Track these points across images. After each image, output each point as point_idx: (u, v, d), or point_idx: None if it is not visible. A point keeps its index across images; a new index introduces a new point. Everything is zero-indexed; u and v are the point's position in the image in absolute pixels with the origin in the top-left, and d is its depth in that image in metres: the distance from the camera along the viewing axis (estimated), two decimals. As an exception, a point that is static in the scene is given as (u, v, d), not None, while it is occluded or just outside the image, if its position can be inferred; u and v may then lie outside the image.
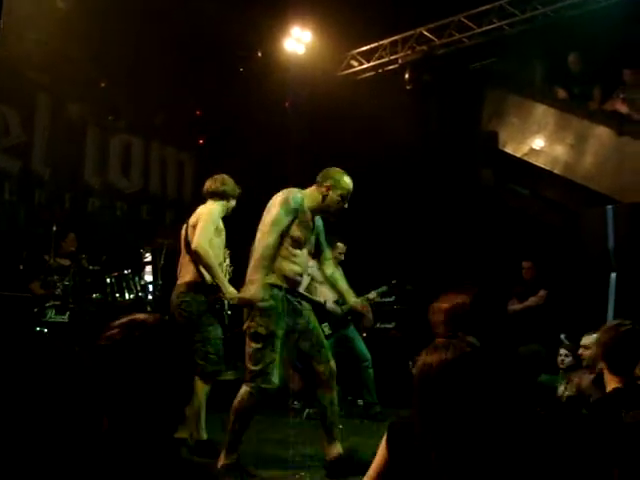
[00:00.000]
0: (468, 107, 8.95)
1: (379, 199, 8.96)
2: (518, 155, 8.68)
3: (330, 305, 7.00)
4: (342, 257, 7.27)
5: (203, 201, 5.76)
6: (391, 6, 8.26)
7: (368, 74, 9.64)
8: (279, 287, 4.56)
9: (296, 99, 10.04)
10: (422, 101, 9.01)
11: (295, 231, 4.64)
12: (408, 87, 8.83)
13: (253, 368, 4.43)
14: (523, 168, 8.62)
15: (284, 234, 4.59)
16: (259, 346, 4.43)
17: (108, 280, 7.53)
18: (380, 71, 9.47)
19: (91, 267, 7.53)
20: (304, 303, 4.83)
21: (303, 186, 4.89)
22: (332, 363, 4.67)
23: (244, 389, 4.46)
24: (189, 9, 8.13)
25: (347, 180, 4.91)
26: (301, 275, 4.79)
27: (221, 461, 4.45)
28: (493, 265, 8.13)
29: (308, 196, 4.80)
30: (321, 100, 9.50)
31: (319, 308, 6.97)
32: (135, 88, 8.96)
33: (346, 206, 4.93)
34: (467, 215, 8.56)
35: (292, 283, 4.67)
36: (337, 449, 4.64)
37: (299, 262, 4.71)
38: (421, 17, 8.62)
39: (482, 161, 8.91)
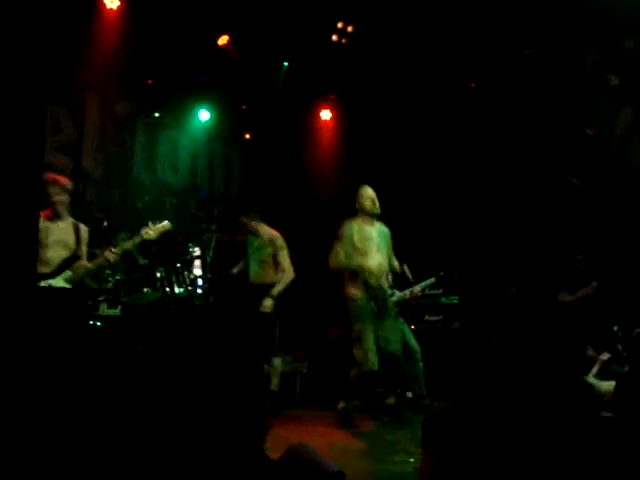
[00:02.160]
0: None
1: (428, 190, 8.95)
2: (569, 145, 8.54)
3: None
4: None
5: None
6: None
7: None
8: None
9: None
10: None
11: None
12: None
13: None
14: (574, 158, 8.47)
15: None
16: None
17: (158, 274, 7.65)
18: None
19: (142, 262, 7.65)
20: None
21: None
22: None
23: None
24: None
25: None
26: None
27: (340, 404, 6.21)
28: (543, 257, 8.03)
29: None
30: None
31: None
32: (180, 85, 9.10)
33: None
34: (517, 206, 8.46)
35: None
36: None
37: None
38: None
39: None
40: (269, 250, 7.23)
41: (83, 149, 8.84)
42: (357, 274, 6.33)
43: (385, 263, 6.53)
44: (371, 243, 6.44)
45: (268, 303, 7.09)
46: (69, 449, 1.53)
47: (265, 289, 7.16)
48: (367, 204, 6.52)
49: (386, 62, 9.19)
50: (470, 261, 8.30)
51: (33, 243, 1.89)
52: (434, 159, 9.19)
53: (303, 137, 10.17)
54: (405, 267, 7.07)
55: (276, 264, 7.20)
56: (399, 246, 7.59)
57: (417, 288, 7.21)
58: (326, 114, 10.35)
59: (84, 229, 5.61)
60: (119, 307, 7.32)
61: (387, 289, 6.56)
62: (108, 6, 7.51)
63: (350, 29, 8.69)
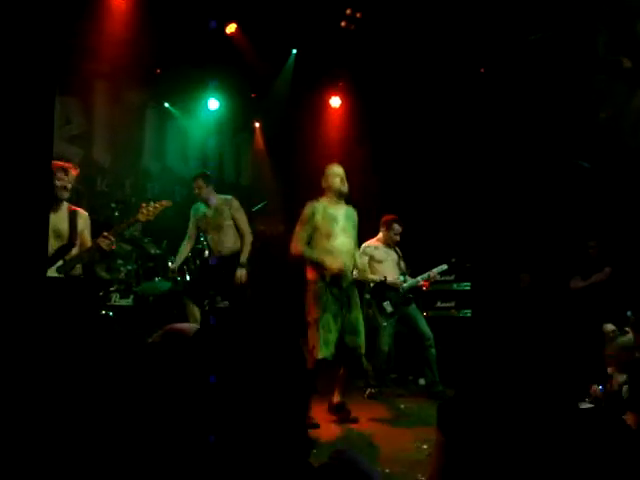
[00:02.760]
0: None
1: (439, 177, 8.92)
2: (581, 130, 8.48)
3: (390, 280, 7.01)
4: (398, 238, 7.27)
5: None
6: None
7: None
8: None
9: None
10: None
11: None
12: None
13: None
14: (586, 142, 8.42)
15: None
16: None
17: (170, 263, 7.67)
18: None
19: (153, 251, 7.67)
20: None
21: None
22: None
23: None
24: None
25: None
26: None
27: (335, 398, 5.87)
28: (555, 243, 8.00)
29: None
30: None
31: (380, 286, 7.02)
32: (189, 74, 9.10)
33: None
34: (529, 191, 8.43)
35: None
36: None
37: None
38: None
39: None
40: (227, 213, 7.22)
41: (93, 139, 8.87)
42: (319, 258, 5.83)
43: (351, 247, 6.03)
44: (336, 225, 5.93)
45: (243, 273, 7.08)
46: (82, 442, 1.53)
47: (234, 258, 7.15)
48: (336, 182, 6.00)
49: (395, 48, 9.15)
50: (482, 247, 8.28)
51: (43, 235, 1.89)
52: (445, 145, 9.16)
53: (312, 124, 10.16)
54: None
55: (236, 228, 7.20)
56: (412, 233, 7.60)
57: (430, 274, 7.18)
58: (335, 101, 10.33)
59: (82, 215, 5.28)
60: (131, 297, 7.35)
61: (350, 276, 6.01)
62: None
63: (359, 15, 8.65)
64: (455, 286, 8.07)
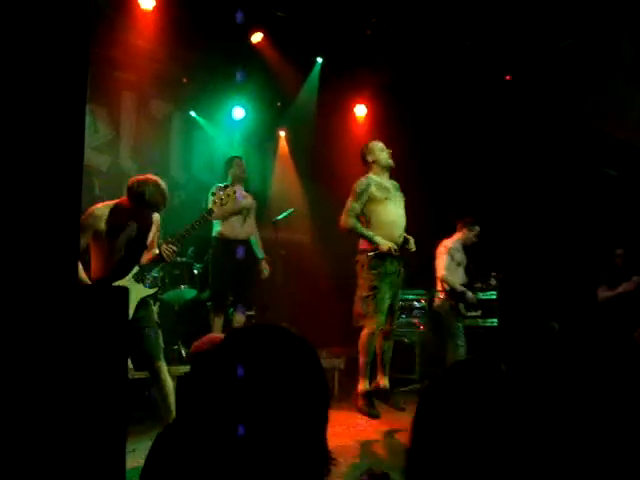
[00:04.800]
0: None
1: (461, 181, 8.88)
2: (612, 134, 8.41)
3: (470, 296, 7.29)
4: (476, 240, 7.38)
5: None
6: None
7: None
8: None
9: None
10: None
11: None
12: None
13: None
14: (614, 149, 8.34)
15: None
16: None
17: (196, 271, 7.70)
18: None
19: (179, 259, 7.71)
20: None
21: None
22: None
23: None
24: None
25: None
26: None
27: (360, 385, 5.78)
28: (582, 251, 7.93)
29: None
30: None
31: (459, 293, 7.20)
32: (215, 83, 9.16)
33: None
34: (556, 199, 8.36)
35: None
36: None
37: None
38: None
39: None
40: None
41: (120, 148, 8.95)
42: (370, 235, 5.82)
43: (403, 218, 6.05)
44: (389, 195, 5.97)
45: (267, 267, 7.48)
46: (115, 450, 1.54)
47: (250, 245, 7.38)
48: (383, 155, 6.09)
49: (421, 56, 9.15)
50: (508, 255, 8.22)
51: (74, 244, 1.91)
52: (470, 151, 9.12)
53: (338, 133, 10.16)
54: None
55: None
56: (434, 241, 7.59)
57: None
58: (361, 109, 10.33)
59: (155, 219, 5.07)
60: (157, 304, 7.39)
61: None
62: (143, 6, 7.57)
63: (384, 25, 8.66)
64: (481, 295, 8.02)
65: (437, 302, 7.40)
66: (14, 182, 1.73)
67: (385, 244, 5.74)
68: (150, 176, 4.93)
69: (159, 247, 5.00)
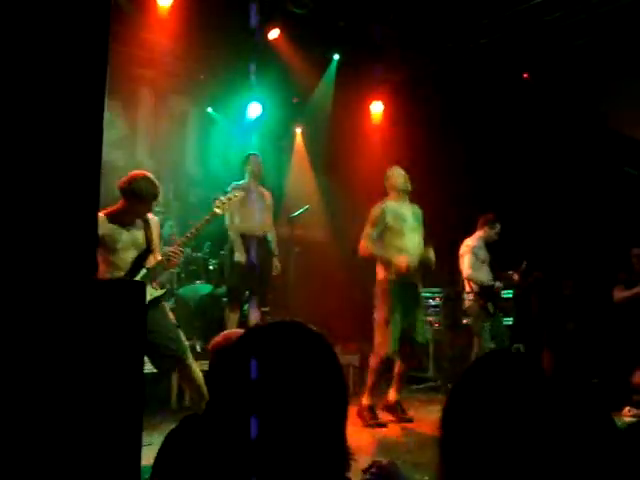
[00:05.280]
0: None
1: (480, 184, 8.84)
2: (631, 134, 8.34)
3: (498, 284, 7.17)
4: (497, 237, 7.39)
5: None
6: None
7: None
8: None
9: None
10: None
11: None
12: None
13: None
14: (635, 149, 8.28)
15: None
16: None
17: (211, 267, 7.73)
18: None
19: (194, 254, 7.74)
20: None
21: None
22: None
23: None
24: None
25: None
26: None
27: (365, 400, 5.93)
28: (600, 250, 7.88)
29: None
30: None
31: (487, 289, 7.20)
32: (232, 80, 9.18)
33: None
34: (575, 198, 8.32)
35: None
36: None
37: None
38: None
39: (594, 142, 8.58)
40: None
41: (136, 144, 8.99)
42: (390, 257, 6.02)
43: (420, 244, 6.22)
44: (405, 224, 6.17)
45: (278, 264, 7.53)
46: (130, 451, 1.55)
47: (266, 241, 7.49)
48: (400, 181, 6.29)
49: (437, 53, 9.13)
50: (525, 254, 8.18)
51: (93, 240, 1.92)
52: (486, 151, 9.08)
53: (354, 130, 10.16)
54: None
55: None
56: (455, 242, 7.57)
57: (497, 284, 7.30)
58: (378, 106, 10.30)
59: (153, 221, 5.08)
60: (172, 300, 7.43)
61: (418, 273, 6.24)
62: (160, 3, 7.59)
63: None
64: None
65: (467, 304, 7.39)
66: (33, 176, 1.74)
67: (401, 262, 5.94)
68: (135, 172, 4.99)
69: (163, 252, 5.06)
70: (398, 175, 6.33)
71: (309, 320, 1.42)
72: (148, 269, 4.90)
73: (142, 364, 1.84)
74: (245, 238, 7.23)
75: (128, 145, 8.89)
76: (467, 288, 7.30)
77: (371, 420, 5.93)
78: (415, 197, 6.55)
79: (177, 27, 7.83)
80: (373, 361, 6.06)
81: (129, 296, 1.75)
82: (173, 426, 2.00)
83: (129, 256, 4.84)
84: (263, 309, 7.58)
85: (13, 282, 1.56)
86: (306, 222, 8.48)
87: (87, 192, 1.85)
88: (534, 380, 1.23)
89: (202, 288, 7.66)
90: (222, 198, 5.55)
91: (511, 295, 7.93)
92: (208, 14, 7.74)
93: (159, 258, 4.98)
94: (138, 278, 4.82)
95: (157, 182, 4.95)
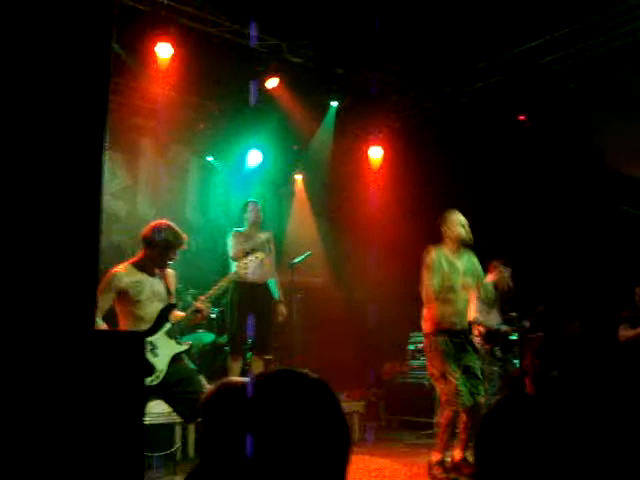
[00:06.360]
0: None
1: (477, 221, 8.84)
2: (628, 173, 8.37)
3: (504, 328, 7.13)
4: (509, 281, 7.38)
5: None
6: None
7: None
8: None
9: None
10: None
11: None
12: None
13: None
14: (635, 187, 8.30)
15: None
16: None
17: (214, 315, 7.70)
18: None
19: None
20: None
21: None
22: None
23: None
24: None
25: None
26: None
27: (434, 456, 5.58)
28: (603, 290, 7.85)
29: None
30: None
31: (494, 333, 7.18)
32: (232, 128, 9.28)
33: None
34: (575, 238, 8.32)
35: None
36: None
37: None
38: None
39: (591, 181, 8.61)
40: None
41: (137, 193, 9.04)
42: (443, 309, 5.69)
43: (467, 299, 5.91)
44: (457, 277, 5.75)
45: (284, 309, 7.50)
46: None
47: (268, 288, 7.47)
48: (461, 231, 5.85)
49: (434, 98, 9.23)
50: (528, 295, 8.16)
51: (92, 291, 1.91)
52: (486, 191, 9.11)
53: (354, 176, 10.22)
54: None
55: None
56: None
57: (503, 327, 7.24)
58: (377, 151, 10.37)
59: (171, 274, 5.04)
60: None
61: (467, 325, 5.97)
62: (160, 55, 7.70)
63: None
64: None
65: None
66: (34, 226, 1.74)
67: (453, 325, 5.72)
68: (159, 222, 4.97)
69: (192, 306, 5.09)
70: (459, 223, 5.93)
71: (313, 368, 1.42)
72: (172, 324, 4.85)
73: (142, 415, 1.82)
74: (247, 286, 7.22)
75: (129, 195, 8.94)
76: (475, 331, 7.26)
77: (442, 474, 5.59)
78: (415, 239, 6.54)
79: (177, 78, 7.94)
80: (445, 417, 5.69)
81: (127, 348, 1.73)
82: (177, 478, 1.97)
83: (154, 309, 4.78)
84: (266, 357, 7.53)
85: (10, 335, 1.54)
86: (307, 268, 8.48)
87: (87, 243, 1.85)
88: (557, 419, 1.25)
89: (204, 337, 7.63)
90: (245, 260, 5.60)
91: (516, 337, 7.89)
92: (207, 65, 7.85)
93: (182, 314, 4.96)
94: (162, 332, 4.78)
95: (180, 230, 4.94)
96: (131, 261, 4.82)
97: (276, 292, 7.57)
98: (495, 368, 7.07)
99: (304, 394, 1.36)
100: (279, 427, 1.29)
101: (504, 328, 7.16)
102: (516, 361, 7.86)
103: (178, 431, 6.34)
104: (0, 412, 1.49)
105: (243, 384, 1.39)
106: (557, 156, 8.66)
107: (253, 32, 7.62)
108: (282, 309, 7.47)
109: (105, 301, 4.58)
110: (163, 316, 4.81)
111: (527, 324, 7.33)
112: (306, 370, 1.41)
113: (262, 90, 8.51)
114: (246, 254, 5.86)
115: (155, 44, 7.48)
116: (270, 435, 1.28)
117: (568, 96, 8.34)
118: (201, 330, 7.67)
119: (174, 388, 4.69)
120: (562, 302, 8.28)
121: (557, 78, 8.27)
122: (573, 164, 8.57)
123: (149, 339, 4.69)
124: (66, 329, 1.73)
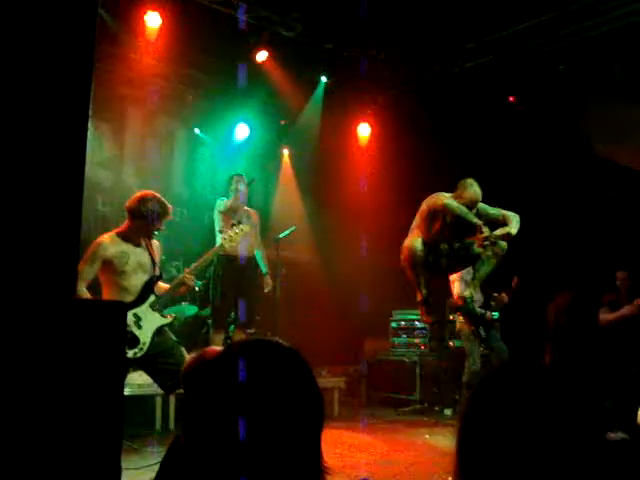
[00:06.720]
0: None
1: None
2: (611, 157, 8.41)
3: (489, 314, 7.36)
4: None
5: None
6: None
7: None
8: None
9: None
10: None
11: None
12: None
13: None
14: (616, 171, 8.34)
15: None
16: None
17: (197, 288, 7.68)
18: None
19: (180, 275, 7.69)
20: None
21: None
22: None
23: None
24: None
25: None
26: None
27: None
28: (584, 274, 7.91)
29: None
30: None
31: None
32: (220, 101, 9.21)
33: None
34: (557, 221, 8.36)
35: None
36: None
37: None
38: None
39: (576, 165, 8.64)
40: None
41: (124, 164, 8.97)
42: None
43: None
44: None
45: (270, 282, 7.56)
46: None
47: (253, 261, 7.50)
48: (476, 190, 6.70)
49: (424, 76, 9.20)
50: (509, 277, 8.20)
51: (73, 260, 1.90)
52: (472, 173, 9.12)
53: (341, 152, 10.19)
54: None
55: None
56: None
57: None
58: (365, 128, 10.35)
59: (156, 245, 4.99)
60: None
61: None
62: (149, 24, 7.62)
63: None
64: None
65: (458, 326, 7.45)
66: (15, 193, 1.73)
67: None
68: (145, 193, 4.92)
69: (177, 278, 5.10)
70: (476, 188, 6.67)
71: (295, 344, 1.44)
72: (157, 296, 4.83)
73: (122, 386, 1.82)
74: (231, 259, 7.21)
75: (115, 165, 8.86)
76: (459, 313, 7.31)
77: None
78: (401, 218, 6.56)
79: (166, 48, 7.86)
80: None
81: (109, 317, 1.73)
82: (156, 449, 1.98)
83: (138, 280, 4.76)
84: (249, 331, 7.54)
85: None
86: (292, 243, 8.48)
87: (69, 210, 1.84)
88: (548, 389, 1.26)
89: (187, 309, 7.62)
90: (230, 232, 5.53)
91: (497, 316, 7.93)
92: (196, 36, 7.78)
93: (167, 287, 4.95)
94: (147, 304, 4.76)
95: (166, 201, 4.90)
96: (116, 231, 4.79)
97: (263, 265, 7.57)
98: (476, 347, 7.16)
99: (277, 362, 1.38)
100: (253, 394, 1.31)
101: (488, 314, 7.21)
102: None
103: (159, 403, 6.36)
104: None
105: (219, 353, 1.41)
106: (545, 137, 8.67)
107: (243, 4, 7.56)
108: (268, 280, 7.50)
109: (90, 271, 4.57)
110: (148, 288, 4.79)
111: (505, 298, 7.36)
112: (277, 338, 1.45)
113: (251, 63, 8.46)
114: (231, 226, 5.82)
115: (145, 13, 7.40)
116: (244, 403, 1.31)
117: (558, 78, 8.33)
118: (184, 302, 7.66)
119: (155, 359, 4.69)
120: (545, 285, 8.33)
121: (547, 60, 8.26)
122: (560, 147, 8.59)
123: (133, 311, 4.68)
124: (46, 297, 1.72)
